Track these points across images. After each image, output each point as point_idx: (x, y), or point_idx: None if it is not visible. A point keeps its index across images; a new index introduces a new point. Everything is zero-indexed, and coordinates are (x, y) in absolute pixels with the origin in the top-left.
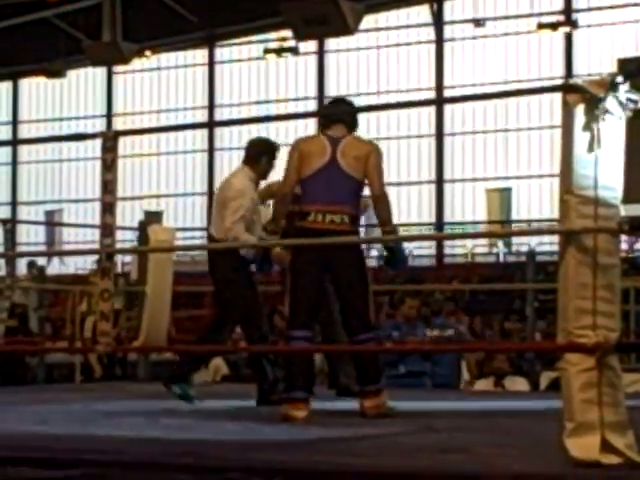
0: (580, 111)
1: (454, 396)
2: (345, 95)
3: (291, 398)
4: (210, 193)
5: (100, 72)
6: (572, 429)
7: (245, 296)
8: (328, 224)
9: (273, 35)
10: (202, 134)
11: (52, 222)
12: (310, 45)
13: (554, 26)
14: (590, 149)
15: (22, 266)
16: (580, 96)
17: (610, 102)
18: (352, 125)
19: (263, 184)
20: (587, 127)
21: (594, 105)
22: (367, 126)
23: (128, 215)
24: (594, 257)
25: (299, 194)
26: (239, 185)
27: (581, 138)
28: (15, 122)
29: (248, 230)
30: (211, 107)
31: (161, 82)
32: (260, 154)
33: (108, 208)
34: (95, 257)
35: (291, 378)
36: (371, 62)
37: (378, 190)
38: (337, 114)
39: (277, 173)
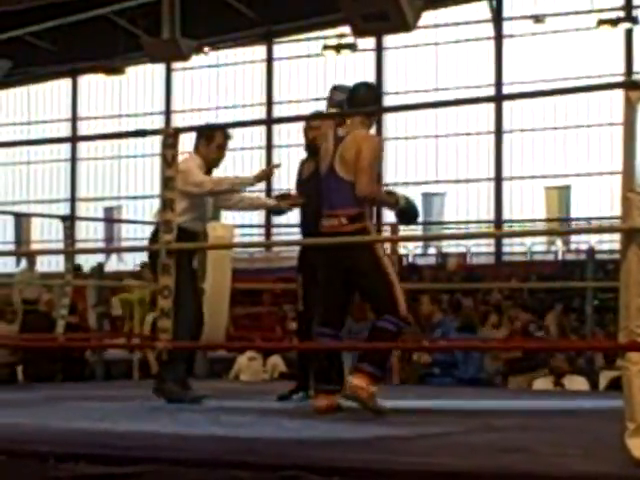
0: None
1: (512, 395)
2: (404, 92)
3: (316, 389)
4: (268, 190)
5: (159, 69)
6: (634, 429)
7: None
8: (329, 228)
9: (331, 32)
10: (260, 131)
11: (111, 218)
12: (369, 42)
13: (614, 22)
14: None
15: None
16: None
17: None
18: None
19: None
20: None
21: None
22: (426, 123)
23: None
24: None
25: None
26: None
27: None
28: (74, 119)
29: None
30: (269, 104)
31: (219, 79)
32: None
33: (168, 204)
34: None
35: (316, 372)
36: (430, 59)
37: (361, 191)
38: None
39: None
